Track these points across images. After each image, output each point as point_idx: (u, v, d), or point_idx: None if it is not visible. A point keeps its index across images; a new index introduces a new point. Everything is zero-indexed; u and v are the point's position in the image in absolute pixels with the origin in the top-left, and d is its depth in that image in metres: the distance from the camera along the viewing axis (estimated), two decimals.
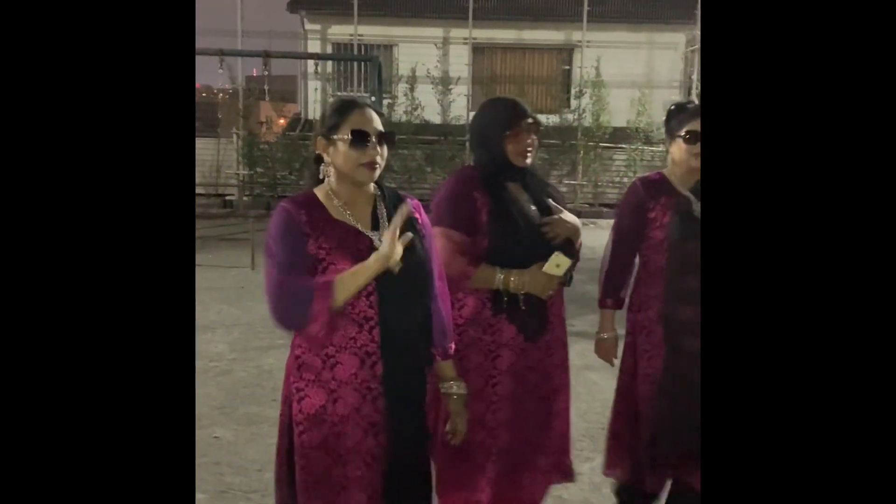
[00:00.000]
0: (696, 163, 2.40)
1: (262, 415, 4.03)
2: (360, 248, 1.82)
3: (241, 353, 5.21)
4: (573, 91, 15.54)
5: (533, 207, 2.30)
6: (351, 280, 1.75)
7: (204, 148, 13.59)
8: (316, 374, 1.83)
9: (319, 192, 1.90)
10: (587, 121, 14.46)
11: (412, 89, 14.37)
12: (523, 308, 2.25)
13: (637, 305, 2.57)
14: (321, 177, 1.92)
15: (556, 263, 2.22)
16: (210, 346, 5.28)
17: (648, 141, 14.24)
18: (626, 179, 14.25)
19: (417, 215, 1.97)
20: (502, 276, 2.21)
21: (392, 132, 1.90)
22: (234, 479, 3.28)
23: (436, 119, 14.81)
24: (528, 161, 2.31)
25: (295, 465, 1.85)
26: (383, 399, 1.83)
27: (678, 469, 2.45)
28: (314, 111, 15.84)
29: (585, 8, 15.12)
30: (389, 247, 1.76)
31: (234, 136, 14.13)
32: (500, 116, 2.29)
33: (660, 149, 14.03)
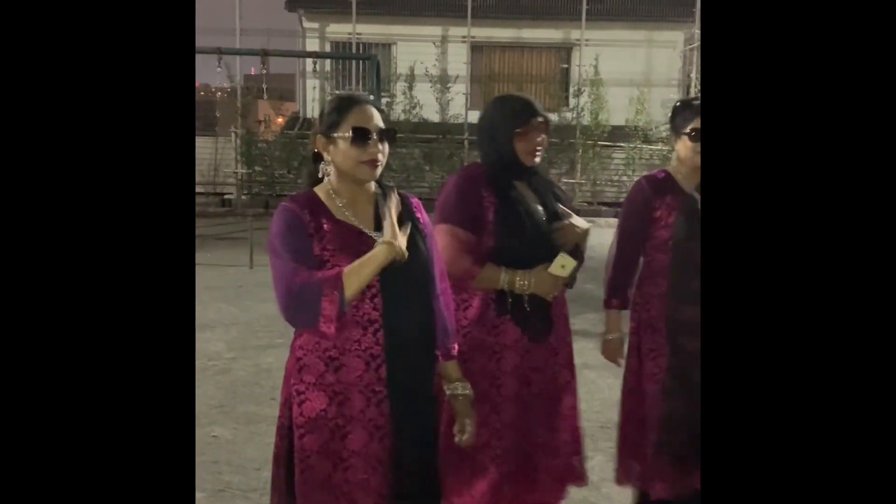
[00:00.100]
0: None
1: (260, 414, 4.03)
2: (364, 249, 1.78)
3: (239, 351, 5.21)
4: (572, 89, 15.54)
5: (539, 207, 2.28)
6: (358, 271, 1.71)
7: (202, 146, 13.56)
8: (317, 377, 1.79)
9: (320, 191, 1.87)
10: (586, 119, 14.46)
11: (410, 88, 14.36)
12: (527, 309, 2.23)
13: (640, 305, 2.54)
14: (320, 175, 1.89)
15: (562, 264, 2.20)
16: (208, 345, 5.28)
17: (647, 139, 14.24)
18: (624, 178, 14.25)
19: (419, 214, 1.95)
20: (507, 277, 2.19)
21: (393, 129, 1.87)
22: (232, 478, 3.28)
23: (434, 118, 14.81)
24: (537, 160, 2.29)
25: (294, 470, 1.81)
26: (388, 402, 1.79)
27: (685, 475, 2.39)
28: (312, 110, 15.83)
29: (584, 6, 15.12)
30: (391, 234, 1.73)
31: (233, 134, 14.11)
32: (511, 114, 2.26)
33: (658, 147, 14.05)
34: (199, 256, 7.88)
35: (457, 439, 2.03)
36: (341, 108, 1.82)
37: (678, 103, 2.55)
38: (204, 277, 7.26)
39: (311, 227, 1.78)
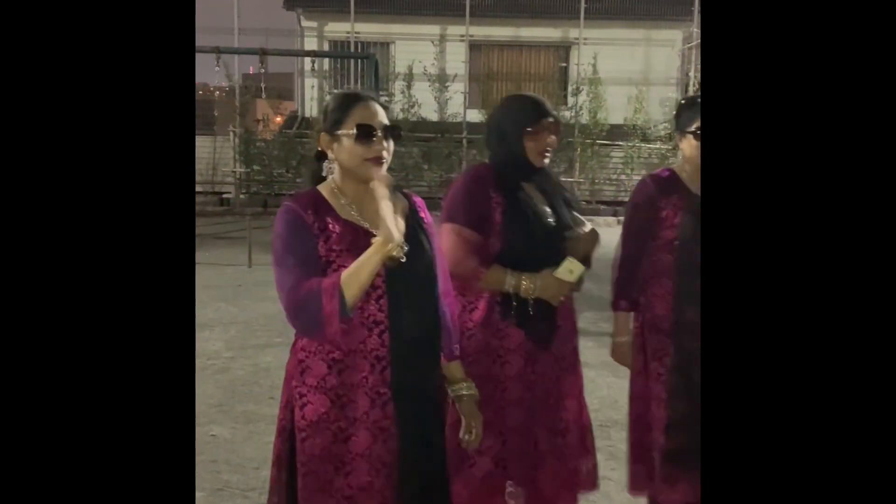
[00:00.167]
0: None
1: (259, 413, 4.03)
2: None
3: (238, 351, 5.21)
4: (570, 88, 15.53)
5: (547, 209, 2.24)
6: (357, 274, 1.66)
7: (200, 146, 13.54)
8: (320, 380, 1.76)
9: (324, 189, 1.83)
10: (584, 118, 14.45)
11: (409, 87, 14.34)
12: (532, 313, 2.19)
13: (645, 305, 2.51)
14: (324, 174, 1.85)
15: (570, 269, 2.16)
16: (207, 344, 5.28)
17: (645, 138, 14.24)
18: (623, 177, 14.26)
19: (422, 214, 1.92)
20: (513, 280, 2.15)
21: (397, 126, 1.84)
22: (231, 477, 3.28)
23: (433, 116, 14.79)
24: (546, 161, 2.26)
25: (295, 473, 1.78)
26: (392, 404, 1.76)
27: (694, 481, 2.32)
28: (311, 109, 15.81)
29: (582, 5, 15.11)
30: (387, 230, 1.65)
31: (231, 133, 14.10)
32: (522, 113, 2.23)
33: (657, 146, 14.05)
34: (198, 255, 7.84)
35: (464, 443, 1.98)
36: (345, 105, 1.79)
37: (683, 101, 2.52)
38: (202, 276, 7.25)
39: (315, 227, 1.74)
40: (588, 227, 2.30)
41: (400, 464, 1.78)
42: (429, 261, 1.84)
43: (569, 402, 2.33)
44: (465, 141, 14.00)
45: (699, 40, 14.60)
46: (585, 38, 15.28)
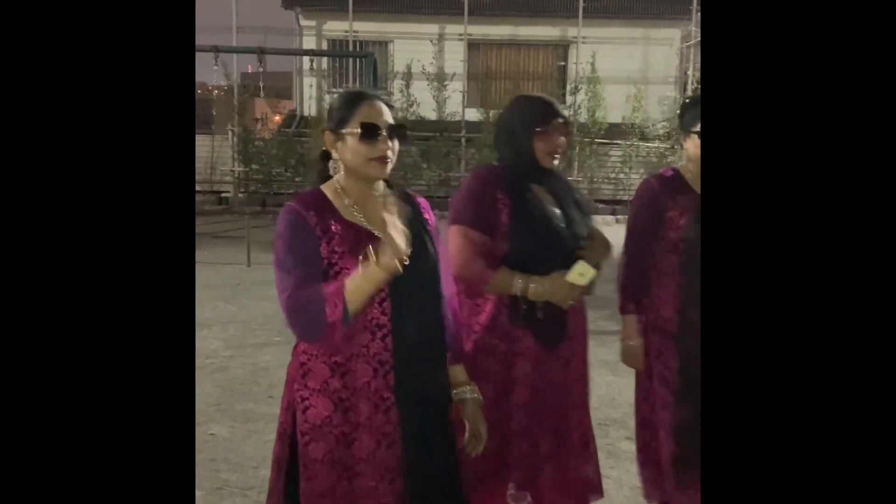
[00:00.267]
0: None
1: (257, 412, 4.03)
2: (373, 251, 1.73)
3: (236, 350, 5.21)
4: (569, 87, 15.55)
5: (557, 211, 2.20)
6: (361, 286, 1.62)
7: (199, 145, 13.55)
8: (322, 383, 1.73)
9: (327, 189, 1.80)
10: (583, 117, 14.46)
11: (407, 86, 14.36)
12: (541, 317, 2.16)
13: (649, 306, 2.48)
14: (331, 174, 1.83)
15: (580, 272, 2.11)
16: (206, 343, 5.28)
17: (644, 137, 14.25)
18: (621, 175, 14.27)
19: (426, 215, 1.89)
20: (521, 283, 2.11)
21: (403, 125, 1.80)
22: (230, 476, 3.28)
23: (431, 115, 14.80)
24: (556, 163, 2.23)
25: (295, 477, 1.76)
26: (396, 409, 1.73)
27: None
28: (309, 108, 15.82)
29: (581, 4, 15.13)
30: (394, 247, 1.58)
31: (230, 132, 14.10)
32: (531, 113, 2.20)
33: (655, 145, 14.06)
34: (197, 254, 7.83)
35: (466, 448, 1.94)
36: (350, 103, 1.76)
37: (687, 101, 2.49)
38: (201, 276, 7.23)
39: (317, 228, 1.71)
40: (601, 236, 2.26)
41: (404, 469, 1.74)
42: (432, 263, 1.81)
43: (574, 407, 2.29)
44: (463, 140, 14.01)
45: (698, 39, 14.63)
46: (584, 37, 15.29)
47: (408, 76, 14.36)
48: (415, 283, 1.73)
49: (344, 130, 1.75)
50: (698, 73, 14.46)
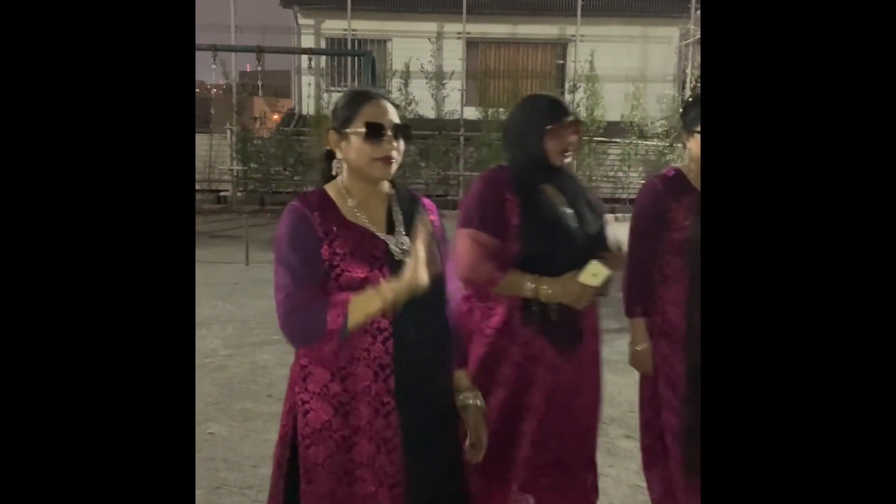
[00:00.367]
0: None
1: (256, 411, 4.03)
2: (375, 254, 1.70)
3: (235, 349, 5.21)
4: (567, 85, 15.54)
5: (569, 211, 2.18)
6: (367, 304, 1.62)
7: (198, 144, 13.54)
8: (322, 387, 1.71)
9: (331, 189, 1.78)
10: (581, 115, 14.43)
11: (406, 84, 14.34)
12: (554, 319, 2.13)
13: (654, 310, 2.46)
14: (334, 173, 1.80)
15: (593, 273, 2.06)
16: (205, 343, 5.28)
17: (642, 135, 14.25)
18: (620, 174, 14.27)
19: (433, 217, 1.86)
20: (533, 285, 2.08)
21: (408, 125, 1.77)
22: (228, 475, 3.28)
23: (430, 114, 14.80)
24: (567, 161, 2.21)
25: (295, 480, 1.75)
26: (396, 413, 1.70)
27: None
28: (308, 106, 15.81)
29: (579, 2, 15.13)
30: (414, 277, 1.61)
31: (228, 131, 14.09)
32: (542, 112, 2.18)
33: (654, 143, 14.05)
34: (195, 253, 7.85)
35: (468, 455, 1.90)
36: (354, 102, 1.74)
37: (689, 100, 2.48)
38: (200, 274, 7.22)
39: (320, 229, 1.69)
40: (620, 249, 2.23)
41: (405, 475, 1.72)
42: (436, 267, 1.76)
43: (588, 412, 2.28)
44: (462, 138, 14.00)
45: (696, 37, 14.63)
46: (582, 35, 15.29)
47: (406, 75, 14.35)
48: None
49: (348, 130, 1.72)
50: (697, 72, 14.46)
